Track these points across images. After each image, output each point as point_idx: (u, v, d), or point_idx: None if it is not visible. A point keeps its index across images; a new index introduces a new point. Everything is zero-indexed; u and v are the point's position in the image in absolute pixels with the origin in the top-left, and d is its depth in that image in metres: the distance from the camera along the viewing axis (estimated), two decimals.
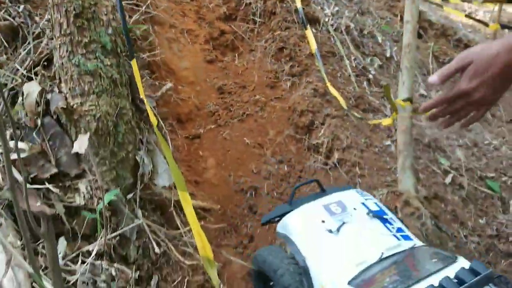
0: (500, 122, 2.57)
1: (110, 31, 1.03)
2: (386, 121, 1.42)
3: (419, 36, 2.86)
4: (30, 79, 1.05)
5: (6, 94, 1.02)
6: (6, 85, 1.04)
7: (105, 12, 1.02)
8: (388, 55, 2.45)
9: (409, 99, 1.32)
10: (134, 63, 1.02)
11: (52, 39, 1.03)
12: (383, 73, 2.26)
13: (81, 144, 0.85)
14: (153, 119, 0.98)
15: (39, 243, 0.85)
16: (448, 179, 1.81)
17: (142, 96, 1.02)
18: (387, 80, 2.24)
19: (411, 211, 1.39)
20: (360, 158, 1.63)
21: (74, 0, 0.96)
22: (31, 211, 0.56)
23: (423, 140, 1.94)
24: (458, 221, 1.64)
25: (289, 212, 1.04)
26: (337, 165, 1.62)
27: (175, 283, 1.08)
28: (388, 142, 1.76)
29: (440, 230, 1.54)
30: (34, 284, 0.74)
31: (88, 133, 0.92)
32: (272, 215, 1.10)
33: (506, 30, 4.24)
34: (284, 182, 1.65)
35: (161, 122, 1.35)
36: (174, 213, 1.19)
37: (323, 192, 1.11)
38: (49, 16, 1.20)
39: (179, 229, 1.19)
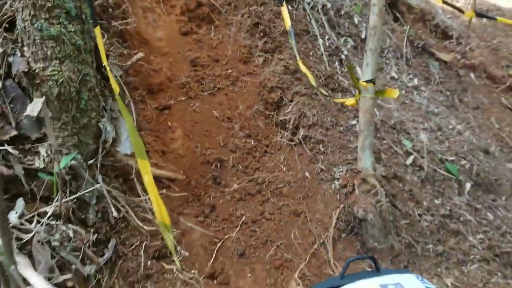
0: (466, 108, 2.65)
1: None
2: (349, 101, 1.47)
3: (396, 19, 2.89)
4: None
5: None
6: None
7: None
8: (363, 36, 2.47)
9: (372, 81, 1.36)
10: (97, 30, 1.02)
11: (14, 1, 1.03)
12: (356, 54, 2.29)
13: (34, 107, 0.86)
14: (115, 87, 1.00)
15: None
16: (409, 161, 1.88)
17: (104, 62, 1.03)
18: (359, 61, 2.28)
19: (368, 188, 1.46)
20: (324, 136, 1.68)
21: None
22: None
23: (389, 121, 2.00)
24: (414, 201, 1.71)
25: (340, 286, 0.96)
26: (302, 141, 1.67)
27: (133, 246, 1.12)
28: (354, 122, 1.81)
29: (395, 207, 1.62)
30: None
31: (44, 97, 0.93)
32: (322, 286, 1.06)
33: (484, 19, 4.31)
34: (250, 156, 1.69)
35: (126, 91, 1.36)
36: (136, 180, 1.22)
37: (377, 271, 1.05)
38: None
39: (140, 196, 1.22)
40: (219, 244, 1.32)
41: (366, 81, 1.37)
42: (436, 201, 1.78)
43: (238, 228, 1.40)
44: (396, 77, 2.41)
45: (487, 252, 1.62)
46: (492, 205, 1.95)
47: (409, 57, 2.64)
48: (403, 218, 1.61)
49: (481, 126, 2.57)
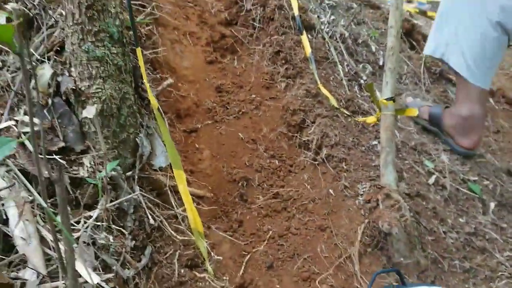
0: (487, 132, 2.67)
1: (117, 22, 1.13)
2: (370, 119, 1.53)
3: (412, 47, 2.98)
4: (43, 63, 1.15)
5: (20, 77, 1.12)
6: (20, 68, 1.14)
7: (114, 6, 1.13)
8: (380, 63, 2.56)
9: (392, 99, 1.42)
10: (138, 51, 1.12)
11: (64, 29, 1.14)
12: (374, 79, 2.37)
13: (89, 111, 0.95)
14: (153, 102, 1.09)
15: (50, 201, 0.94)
16: (431, 180, 1.90)
17: (144, 80, 1.12)
18: (378, 86, 2.35)
19: (392, 203, 1.49)
20: (347, 155, 1.73)
21: None
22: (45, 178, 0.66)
23: (410, 143, 2.05)
24: (439, 218, 1.73)
25: None
26: (325, 160, 1.72)
27: (168, 255, 1.17)
28: (375, 142, 1.86)
29: (419, 224, 1.64)
30: (42, 234, 0.84)
31: (95, 105, 1.02)
32: None
33: None
34: (274, 175, 1.75)
35: (161, 109, 1.45)
36: (169, 193, 1.28)
37: (403, 284, 1.07)
38: (61, 9, 1.32)
39: (173, 208, 1.28)
40: (247, 257, 1.36)
41: (386, 99, 1.43)
42: (460, 220, 1.79)
43: (265, 242, 1.44)
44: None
45: None
46: None
47: (426, 83, 2.70)
48: (428, 235, 1.62)
49: (502, 149, 2.57)
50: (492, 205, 1.94)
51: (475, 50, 1.79)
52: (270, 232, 1.47)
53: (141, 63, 1.12)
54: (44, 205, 0.59)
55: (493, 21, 1.71)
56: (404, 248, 1.49)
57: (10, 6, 1.11)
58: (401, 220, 1.46)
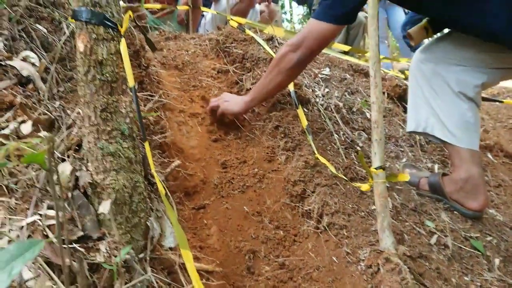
0: (488, 187, 2.73)
1: (127, 120, 1.30)
2: (364, 187, 1.63)
3: (406, 110, 3.13)
4: (63, 160, 1.31)
5: (44, 173, 1.27)
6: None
7: (124, 106, 1.30)
8: None
9: (381, 167, 1.54)
10: (146, 144, 1.27)
11: (81, 128, 1.30)
12: (371, 146, 2.49)
13: (105, 207, 1.08)
14: (161, 189, 1.22)
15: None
16: (433, 240, 1.96)
17: (152, 170, 1.26)
18: None
19: (392, 267, 1.55)
20: (347, 222, 1.82)
21: (100, 99, 1.25)
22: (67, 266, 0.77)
23: (409, 204, 2.13)
24: (442, 278, 1.77)
25: None
26: (326, 228, 1.81)
27: None
28: (374, 207, 1.94)
29: (424, 286, 1.67)
30: None
31: (110, 200, 1.15)
32: None
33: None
34: (280, 245, 1.83)
35: (169, 193, 1.58)
36: (179, 272, 1.37)
37: None
38: (79, 110, 1.50)
39: (183, 286, 1.37)
40: None
41: (376, 168, 1.55)
42: (465, 278, 1.82)
43: None
44: (412, 163, 2.57)
45: None
46: None
47: (423, 143, 2.82)
48: None
49: (505, 203, 2.62)
50: (497, 261, 1.98)
51: (454, 119, 1.95)
52: None
53: (148, 154, 1.26)
54: None
55: (456, 91, 1.90)
56: None
57: (42, 134, 1.28)
58: (403, 283, 1.51)
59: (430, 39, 2.19)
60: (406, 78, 3.51)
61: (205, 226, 1.89)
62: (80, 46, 1.26)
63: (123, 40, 1.31)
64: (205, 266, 1.62)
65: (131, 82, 1.29)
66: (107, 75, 1.25)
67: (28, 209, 1.21)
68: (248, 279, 1.66)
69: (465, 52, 1.95)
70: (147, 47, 2.57)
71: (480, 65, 1.94)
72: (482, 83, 1.98)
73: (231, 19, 3.33)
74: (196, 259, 1.65)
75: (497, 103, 4.47)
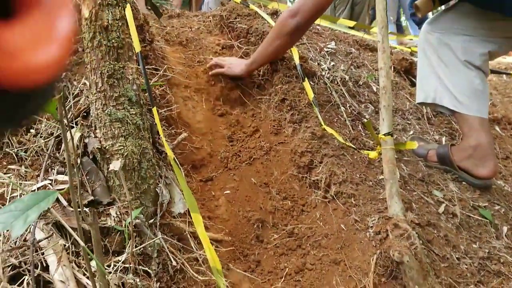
0: (496, 159, 2.72)
1: (134, 87, 1.29)
2: (372, 154, 1.63)
3: (413, 84, 3.11)
4: (71, 128, 1.31)
5: (53, 141, 1.28)
6: (53, 133, 1.30)
7: (131, 73, 1.29)
8: None
9: (390, 133, 1.53)
10: (154, 110, 1.27)
11: (88, 96, 1.30)
12: (377, 118, 2.48)
13: (115, 165, 1.08)
14: (169, 153, 1.22)
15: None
16: (441, 209, 1.96)
17: (161, 135, 1.26)
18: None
19: (401, 233, 1.55)
20: (355, 191, 1.82)
21: (107, 65, 1.24)
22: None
23: (417, 175, 2.12)
24: (451, 245, 1.77)
25: None
26: (334, 197, 1.81)
27: None
28: (382, 177, 1.94)
29: (432, 252, 1.68)
30: (77, 277, 0.94)
31: (120, 159, 1.15)
32: None
33: (504, 76, 4.48)
34: (288, 215, 1.83)
35: (178, 161, 1.58)
36: (189, 237, 1.38)
37: None
38: (85, 80, 1.49)
39: (194, 252, 1.38)
40: None
41: (384, 135, 1.54)
42: (473, 245, 1.83)
43: (283, 279, 1.51)
44: (420, 136, 2.55)
45: None
46: None
47: (430, 116, 2.80)
48: (442, 262, 1.66)
49: None
50: (505, 229, 1.98)
51: (462, 88, 1.94)
52: (287, 269, 1.54)
53: (157, 120, 1.26)
54: (82, 244, 0.70)
55: (462, 60, 1.89)
56: (418, 276, 1.53)
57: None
58: (411, 248, 1.52)
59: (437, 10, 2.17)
60: (412, 53, 3.48)
61: (213, 198, 1.90)
62: (85, 12, 1.25)
63: (128, 6, 1.30)
64: (214, 235, 1.63)
65: (137, 48, 1.28)
66: (113, 41, 1.25)
67: (38, 175, 1.22)
68: (257, 247, 1.67)
69: (470, 22, 1.94)
70: (151, 22, 2.55)
71: (486, 34, 1.93)
72: (489, 51, 1.97)
73: None
74: (206, 228, 1.66)
75: (505, 77, 4.43)
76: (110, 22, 1.25)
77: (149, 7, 3.91)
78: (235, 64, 2.37)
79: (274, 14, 2.92)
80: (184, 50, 2.79)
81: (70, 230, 0.89)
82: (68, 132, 1.25)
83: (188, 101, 2.39)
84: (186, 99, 2.39)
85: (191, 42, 2.85)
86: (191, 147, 2.07)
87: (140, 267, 1.17)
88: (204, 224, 1.72)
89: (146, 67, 2.19)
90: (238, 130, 2.26)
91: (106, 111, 1.24)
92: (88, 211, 1.03)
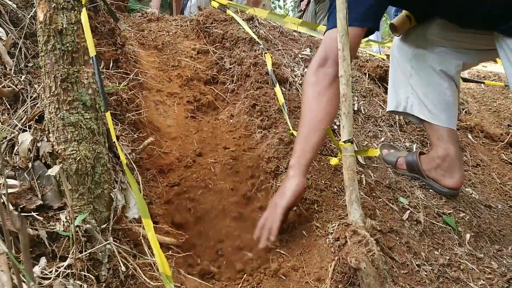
0: (466, 167, 2.75)
1: (90, 91, 1.29)
2: (333, 160, 1.64)
3: (387, 91, 3.13)
4: (24, 131, 1.30)
5: (5, 145, 1.27)
6: (6, 137, 1.29)
7: (86, 77, 1.29)
8: (356, 108, 2.71)
9: (350, 141, 1.54)
10: (108, 114, 1.27)
11: (43, 99, 1.30)
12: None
13: (53, 170, 1.08)
14: (122, 158, 1.22)
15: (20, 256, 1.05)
16: (405, 216, 1.98)
17: (114, 139, 1.26)
18: (354, 130, 2.48)
19: (359, 239, 1.56)
20: (319, 197, 1.83)
21: (61, 69, 1.24)
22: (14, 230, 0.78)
23: (384, 182, 2.14)
24: (412, 252, 1.79)
25: None
26: (298, 204, 1.82)
27: None
28: None
29: (392, 259, 1.69)
30: (14, 282, 0.94)
31: (60, 165, 1.15)
32: None
33: (482, 85, 4.54)
34: (252, 221, 1.84)
35: (133, 165, 1.58)
36: (143, 243, 1.38)
37: None
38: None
39: (148, 258, 1.38)
40: None
41: (345, 141, 1.55)
42: (435, 252, 1.85)
43: (240, 286, 1.51)
44: (391, 143, 2.58)
45: None
46: (497, 255, 1.99)
47: (402, 124, 2.83)
48: (401, 269, 1.68)
49: (482, 182, 2.65)
50: (468, 236, 2.00)
51: (432, 97, 1.97)
52: (245, 275, 1.54)
53: (110, 125, 1.26)
54: (5, 250, 0.70)
55: (438, 70, 1.91)
56: (375, 283, 1.54)
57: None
58: (369, 254, 1.53)
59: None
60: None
61: (178, 203, 1.89)
62: (40, 15, 1.24)
63: (84, 10, 1.30)
64: (167, 239, 1.63)
65: (92, 52, 1.28)
66: (68, 45, 1.24)
67: None
68: (215, 253, 1.67)
69: (445, 34, 1.96)
70: (129, 25, 2.54)
71: (460, 46, 1.95)
72: (463, 63, 1.99)
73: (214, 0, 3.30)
74: (167, 234, 1.66)
75: (483, 86, 4.50)
76: (64, 26, 1.25)
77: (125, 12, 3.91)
78: (278, 194, 1.71)
79: (250, 19, 2.93)
80: (159, 54, 2.80)
81: (1, 239, 0.88)
82: (20, 135, 1.24)
83: (160, 105, 2.39)
84: (158, 103, 2.39)
85: (167, 46, 2.86)
86: (159, 151, 2.07)
87: (88, 273, 1.16)
88: (167, 230, 1.72)
89: (116, 71, 2.19)
90: (209, 135, 2.27)
91: (59, 115, 1.23)
92: (17, 215, 1.02)
